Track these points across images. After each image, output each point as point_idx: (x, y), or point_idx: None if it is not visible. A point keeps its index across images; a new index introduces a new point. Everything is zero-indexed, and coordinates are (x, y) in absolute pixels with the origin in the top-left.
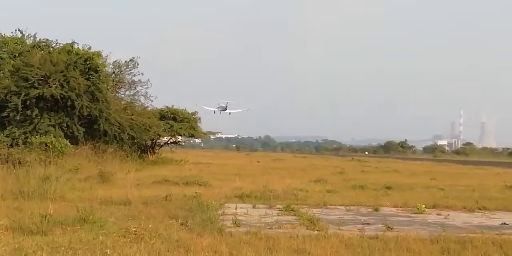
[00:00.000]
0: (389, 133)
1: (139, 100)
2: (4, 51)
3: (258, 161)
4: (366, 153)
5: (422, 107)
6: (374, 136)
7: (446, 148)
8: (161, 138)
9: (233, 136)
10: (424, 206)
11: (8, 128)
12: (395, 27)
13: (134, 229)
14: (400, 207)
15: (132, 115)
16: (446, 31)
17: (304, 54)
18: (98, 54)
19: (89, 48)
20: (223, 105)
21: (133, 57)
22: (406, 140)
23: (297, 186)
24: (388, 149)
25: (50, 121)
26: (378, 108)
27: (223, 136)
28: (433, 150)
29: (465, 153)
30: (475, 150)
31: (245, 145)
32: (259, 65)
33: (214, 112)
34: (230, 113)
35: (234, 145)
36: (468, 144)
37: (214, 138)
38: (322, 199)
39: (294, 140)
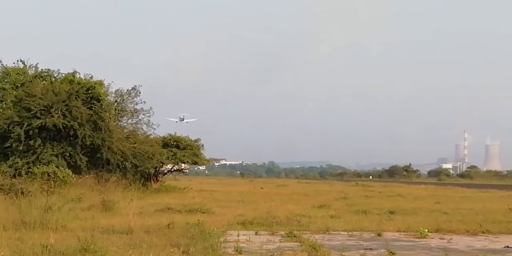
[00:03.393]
0: (394, 157)
1: (142, 128)
2: (6, 81)
3: (261, 188)
4: (371, 177)
5: (426, 130)
6: (379, 161)
7: (451, 171)
8: (164, 166)
9: (237, 162)
10: (427, 230)
11: (11, 158)
12: (397, 49)
13: None
14: (403, 231)
15: (135, 143)
16: (448, 52)
17: (308, 78)
18: (100, 83)
19: (91, 78)
20: (181, 117)
21: (135, 86)
22: (410, 164)
23: (300, 212)
24: (392, 173)
25: (53, 151)
26: (382, 132)
27: (228, 162)
28: (438, 174)
29: (469, 176)
30: (480, 173)
31: (250, 171)
32: (266, 92)
33: (176, 122)
34: (187, 122)
35: (238, 172)
36: (473, 167)
37: (218, 165)
38: (325, 224)
39: (298, 166)
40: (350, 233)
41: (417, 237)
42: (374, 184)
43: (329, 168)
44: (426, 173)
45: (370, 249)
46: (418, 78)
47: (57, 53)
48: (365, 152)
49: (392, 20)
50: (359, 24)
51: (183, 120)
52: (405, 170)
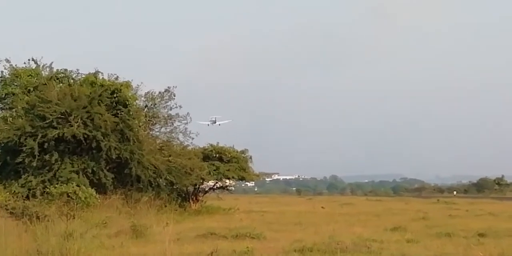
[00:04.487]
0: (483, 168)
1: (177, 138)
2: (16, 85)
3: (322, 207)
4: (455, 193)
5: None
6: (464, 173)
7: None
8: (205, 182)
9: (293, 177)
10: None
11: (23, 176)
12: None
13: None
14: None
15: (170, 156)
16: None
17: (375, 77)
18: (127, 85)
19: (116, 78)
20: (213, 119)
21: (168, 87)
22: (503, 176)
23: (369, 235)
24: (481, 187)
25: (73, 167)
26: (467, 138)
27: (281, 177)
28: None
29: None
30: None
31: (308, 187)
32: (323, 85)
33: (208, 125)
34: (219, 124)
35: (294, 188)
36: None
37: (270, 180)
38: (400, 250)
39: (366, 180)
40: None
41: None
42: (459, 201)
43: (403, 182)
44: None
45: None
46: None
47: (83, 52)
48: (447, 162)
49: None
50: None
51: (215, 122)
52: (497, 184)
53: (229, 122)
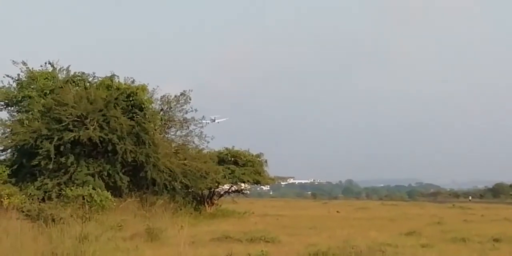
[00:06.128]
0: (499, 173)
1: (193, 142)
2: (32, 88)
3: (337, 211)
4: (470, 198)
5: None
6: (480, 177)
7: None
8: (220, 186)
9: (308, 181)
10: None
11: (39, 179)
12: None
13: None
14: None
15: (185, 159)
16: None
17: (393, 80)
18: (143, 88)
19: (132, 82)
20: (212, 118)
21: (184, 91)
22: None
23: (384, 240)
24: (497, 192)
25: (88, 170)
26: (483, 143)
27: (296, 181)
28: None
29: None
30: None
31: (323, 191)
32: (335, 99)
33: (207, 123)
34: (218, 122)
35: (309, 192)
36: None
37: (285, 184)
38: (415, 255)
39: (382, 185)
40: None
41: None
42: (475, 206)
43: (419, 186)
44: None
45: None
46: None
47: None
48: (463, 166)
49: None
50: None
51: (214, 120)
52: None
53: (226, 120)
